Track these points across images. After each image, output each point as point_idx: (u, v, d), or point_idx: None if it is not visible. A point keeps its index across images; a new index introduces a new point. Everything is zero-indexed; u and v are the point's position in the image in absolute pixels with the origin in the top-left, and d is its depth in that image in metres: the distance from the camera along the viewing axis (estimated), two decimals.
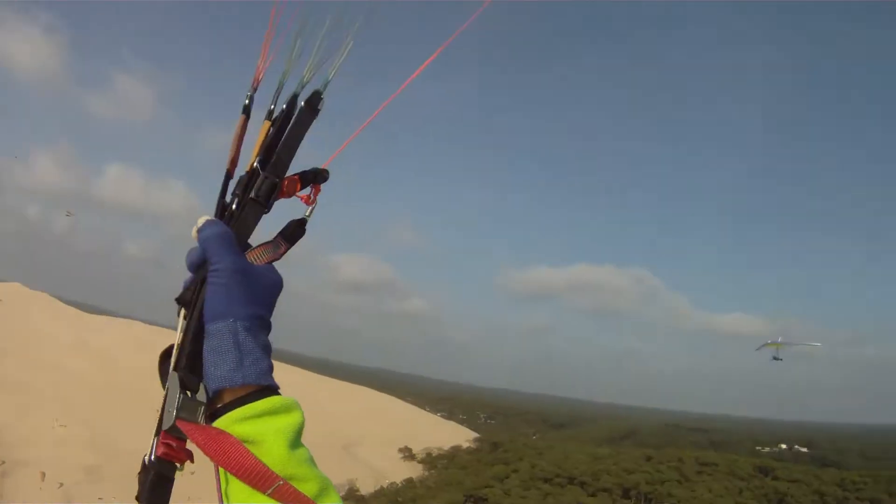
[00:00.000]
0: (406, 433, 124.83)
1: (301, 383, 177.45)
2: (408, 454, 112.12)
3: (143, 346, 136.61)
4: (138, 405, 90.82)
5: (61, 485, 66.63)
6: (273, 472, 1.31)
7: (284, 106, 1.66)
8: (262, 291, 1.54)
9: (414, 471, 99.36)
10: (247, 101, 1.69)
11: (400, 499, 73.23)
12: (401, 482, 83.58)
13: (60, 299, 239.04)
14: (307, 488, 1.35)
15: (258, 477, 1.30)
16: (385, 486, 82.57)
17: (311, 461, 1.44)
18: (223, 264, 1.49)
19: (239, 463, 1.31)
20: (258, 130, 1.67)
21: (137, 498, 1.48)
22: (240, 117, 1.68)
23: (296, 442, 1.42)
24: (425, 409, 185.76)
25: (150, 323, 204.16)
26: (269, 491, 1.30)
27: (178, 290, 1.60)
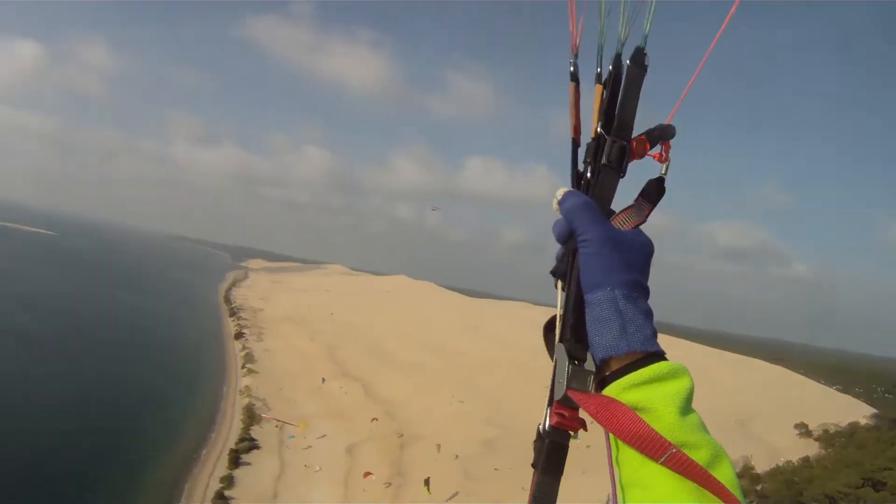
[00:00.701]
0: (800, 407, 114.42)
1: (689, 355, 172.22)
2: (804, 430, 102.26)
3: (531, 325, 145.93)
4: (531, 381, 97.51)
5: (457, 456, 72.57)
6: (665, 440, 1.30)
7: (610, 67, 1.67)
8: (634, 257, 1.54)
9: (810, 448, 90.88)
10: (571, 69, 1.71)
11: (796, 479, 66.96)
12: (797, 461, 76.48)
13: (446, 287, 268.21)
14: (699, 455, 1.32)
15: (651, 444, 1.30)
16: (781, 464, 76.51)
17: (703, 427, 1.40)
18: (592, 234, 1.52)
19: (631, 430, 1.31)
20: (592, 96, 1.69)
21: (533, 465, 1.55)
22: (570, 85, 1.72)
23: (686, 408, 1.40)
24: (819, 381, 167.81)
25: (535, 303, 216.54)
26: (662, 459, 1.29)
27: (552, 265, 1.68)
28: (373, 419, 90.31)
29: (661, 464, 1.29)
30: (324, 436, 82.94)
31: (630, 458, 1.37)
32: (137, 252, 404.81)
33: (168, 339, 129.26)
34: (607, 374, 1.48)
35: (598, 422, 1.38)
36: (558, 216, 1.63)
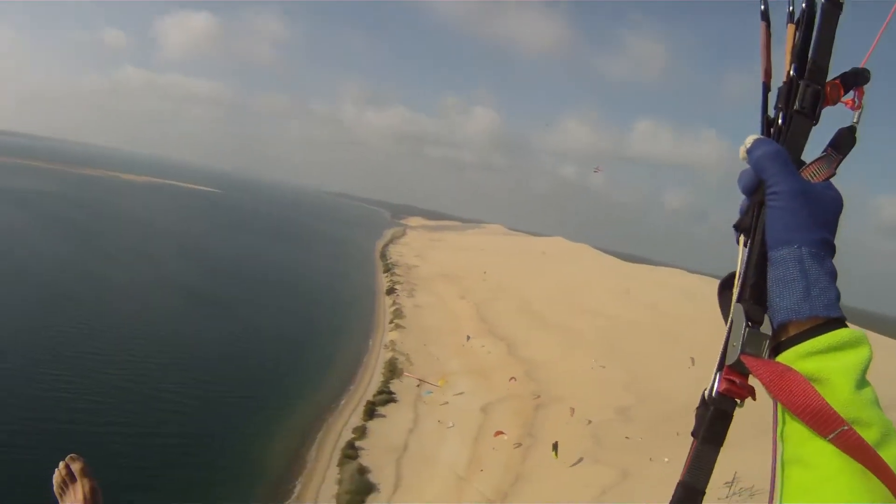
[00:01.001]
0: None
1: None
2: None
3: (686, 294, 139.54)
4: (676, 351, 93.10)
5: (590, 422, 70.55)
6: (839, 416, 1.23)
7: (804, 5, 1.57)
8: (824, 212, 1.44)
9: None
10: (762, 7, 1.61)
11: None
12: None
13: (602, 250, 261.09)
14: (869, 434, 1.26)
15: (823, 419, 1.24)
16: None
17: (876, 403, 1.32)
18: (782, 186, 1.43)
19: (805, 403, 1.25)
20: (784, 36, 1.59)
21: (693, 433, 1.48)
22: (760, 25, 1.61)
23: (862, 381, 1.32)
24: None
25: (692, 271, 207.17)
26: (831, 436, 1.23)
27: (734, 218, 1.58)
28: (511, 378, 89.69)
29: (829, 440, 1.23)
30: (462, 393, 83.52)
31: (796, 433, 1.32)
32: (299, 208, 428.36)
33: (320, 293, 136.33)
34: (783, 338, 1.40)
35: (771, 392, 1.31)
36: (745, 165, 1.54)
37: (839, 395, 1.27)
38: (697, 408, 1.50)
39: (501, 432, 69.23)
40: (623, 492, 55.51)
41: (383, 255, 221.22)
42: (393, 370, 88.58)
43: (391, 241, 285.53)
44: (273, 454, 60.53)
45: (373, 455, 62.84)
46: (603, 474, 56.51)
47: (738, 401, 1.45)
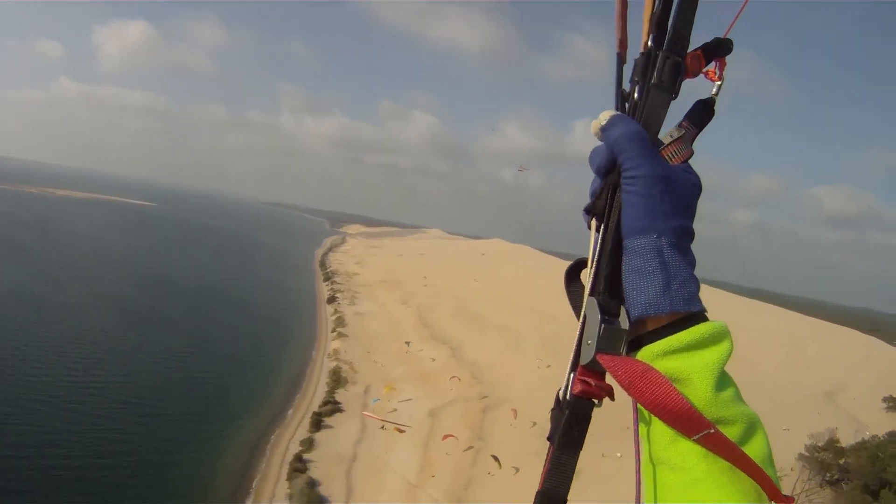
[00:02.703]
0: (891, 381, 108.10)
1: (781, 323, 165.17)
2: (892, 405, 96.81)
3: None
4: None
5: (535, 424, 70.94)
6: (704, 419, 1.19)
7: None
8: (684, 198, 1.37)
9: None
10: None
11: (881, 454, 62.56)
12: (882, 436, 71.63)
13: (542, 251, 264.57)
14: (733, 431, 1.25)
15: (688, 422, 1.19)
16: (866, 437, 72.11)
17: (738, 397, 1.29)
18: (642, 171, 1.33)
19: (668, 406, 1.18)
20: (642, 4, 1.46)
21: (549, 438, 1.40)
22: None
23: (723, 379, 1.28)
24: None
25: None
26: (696, 437, 1.20)
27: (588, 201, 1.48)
28: (452, 377, 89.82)
29: (695, 441, 1.21)
30: (409, 399, 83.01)
31: (659, 434, 1.29)
32: (236, 220, 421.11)
33: (260, 305, 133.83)
34: (641, 333, 1.34)
35: (631, 394, 1.23)
36: (598, 143, 1.43)
37: (701, 396, 1.24)
38: (552, 409, 1.41)
39: (450, 435, 69.02)
40: (577, 489, 54.69)
41: (323, 264, 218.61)
42: (338, 380, 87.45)
43: (330, 249, 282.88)
44: (221, 472, 58.96)
45: (322, 467, 61.84)
46: None
47: (596, 401, 1.36)
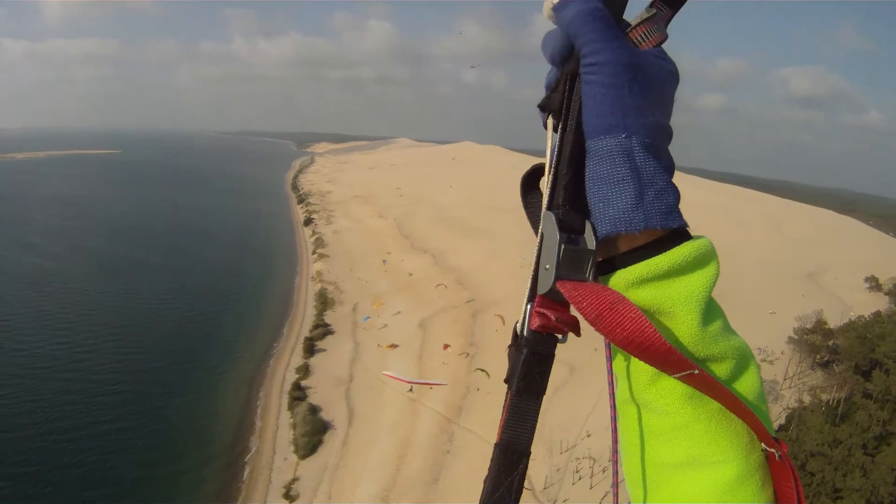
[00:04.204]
0: (871, 260, 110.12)
1: (759, 206, 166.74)
2: (874, 284, 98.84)
3: None
4: None
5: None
6: (686, 360, 1.02)
7: None
8: (658, 88, 1.12)
9: (880, 303, 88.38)
10: None
11: (868, 335, 63.92)
12: (868, 316, 73.09)
13: (511, 149, 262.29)
14: (723, 368, 1.10)
15: (669, 363, 1.02)
16: (853, 318, 73.52)
17: (726, 328, 1.12)
18: (605, 55, 1.08)
19: (643, 344, 1.00)
20: None
21: (507, 380, 1.18)
22: None
23: (710, 308, 1.10)
24: (889, 234, 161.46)
25: None
26: (679, 376, 1.04)
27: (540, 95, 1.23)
28: (438, 285, 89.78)
29: (678, 378, 1.05)
30: (398, 312, 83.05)
31: (639, 372, 1.14)
32: (201, 156, 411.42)
33: (238, 237, 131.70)
34: (612, 255, 1.12)
35: (597, 329, 1.03)
36: (552, 26, 1.17)
37: (687, 331, 1.07)
38: (509, 347, 1.20)
39: (449, 345, 69.39)
40: (575, 384, 56.96)
41: (294, 187, 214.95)
42: (325, 302, 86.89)
43: (300, 171, 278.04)
44: (221, 411, 58.94)
45: (321, 392, 61.99)
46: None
47: (560, 336, 1.15)
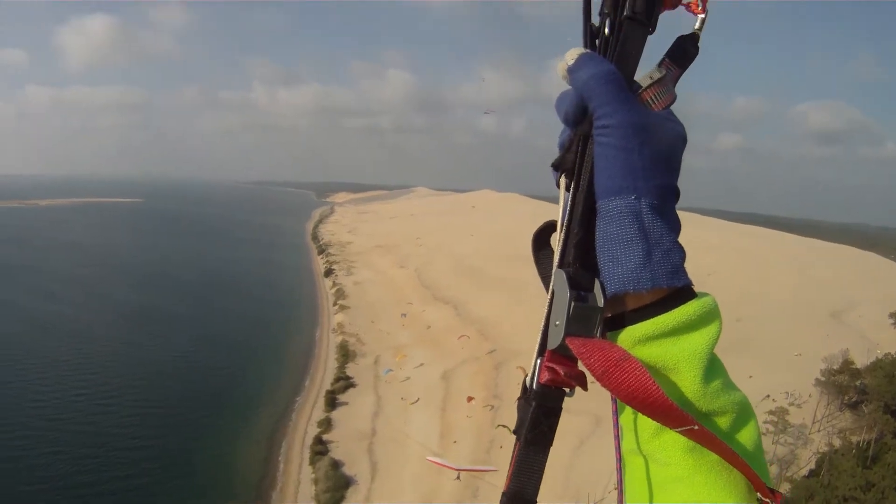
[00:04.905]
0: (895, 296, 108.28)
1: (780, 246, 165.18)
2: None
3: None
4: None
5: None
6: (688, 416, 1.05)
7: None
8: (667, 151, 1.16)
9: None
10: None
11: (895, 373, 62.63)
12: (894, 353, 71.72)
13: (531, 196, 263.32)
14: (723, 422, 1.14)
15: (670, 418, 1.05)
16: (879, 356, 72.11)
17: (727, 383, 1.16)
18: (617, 118, 1.12)
19: (646, 400, 1.03)
20: None
21: (515, 431, 1.21)
22: None
23: (712, 365, 1.14)
24: None
25: None
26: (681, 430, 1.06)
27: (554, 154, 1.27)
28: (461, 336, 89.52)
29: (679, 432, 1.07)
30: (421, 364, 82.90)
31: (644, 426, 1.19)
32: (222, 204, 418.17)
33: (258, 287, 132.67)
34: (620, 312, 1.16)
35: (604, 384, 1.06)
36: (566, 87, 1.21)
37: (690, 387, 1.12)
38: (518, 399, 1.23)
39: (472, 398, 68.97)
40: (602, 436, 56.00)
41: (315, 237, 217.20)
42: (346, 354, 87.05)
43: (320, 221, 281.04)
44: (243, 465, 58.83)
45: (343, 446, 61.70)
46: (576, 424, 56.80)
47: (567, 390, 1.19)
